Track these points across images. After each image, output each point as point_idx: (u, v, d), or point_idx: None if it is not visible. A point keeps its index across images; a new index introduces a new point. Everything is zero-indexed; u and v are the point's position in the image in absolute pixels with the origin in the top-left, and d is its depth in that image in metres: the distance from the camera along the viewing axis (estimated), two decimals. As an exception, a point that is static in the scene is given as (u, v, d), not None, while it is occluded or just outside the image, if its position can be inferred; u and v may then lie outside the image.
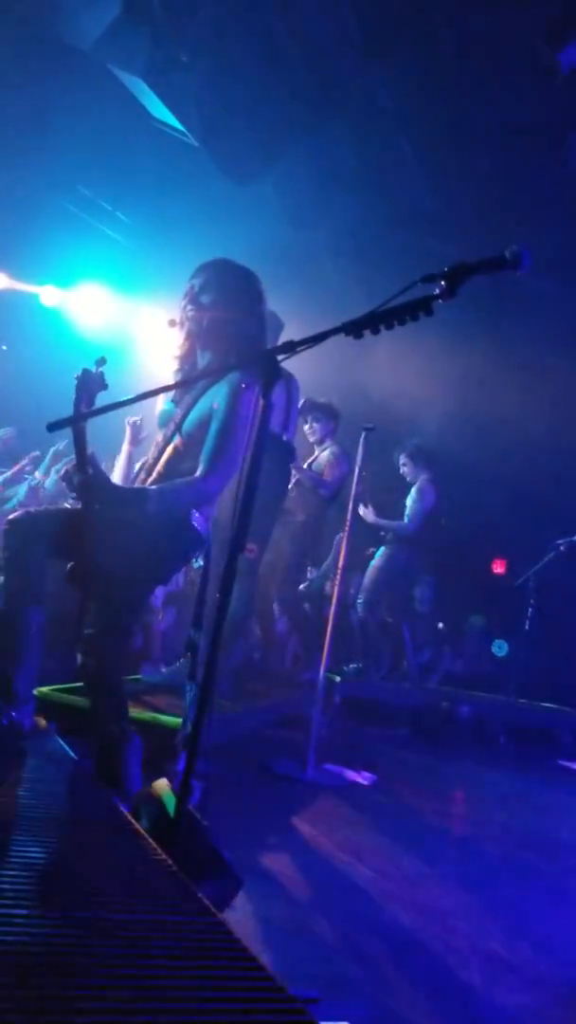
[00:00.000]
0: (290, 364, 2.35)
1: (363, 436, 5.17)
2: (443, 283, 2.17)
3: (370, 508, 7.58)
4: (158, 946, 1.51)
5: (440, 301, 2.18)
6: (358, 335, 2.24)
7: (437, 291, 2.17)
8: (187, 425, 3.16)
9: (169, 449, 3.21)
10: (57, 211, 8.49)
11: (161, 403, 3.46)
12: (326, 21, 6.27)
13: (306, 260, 8.61)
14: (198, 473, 3.06)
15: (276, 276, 6.64)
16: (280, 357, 2.26)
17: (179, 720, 3.86)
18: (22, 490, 7.58)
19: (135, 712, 4.00)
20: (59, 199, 8.45)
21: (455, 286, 2.16)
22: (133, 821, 2.22)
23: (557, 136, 6.91)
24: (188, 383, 3.21)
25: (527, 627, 7.99)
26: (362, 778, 4.91)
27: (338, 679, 6.92)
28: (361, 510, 7.51)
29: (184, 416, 3.19)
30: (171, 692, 4.67)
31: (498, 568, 9.78)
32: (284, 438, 5.51)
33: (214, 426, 3.08)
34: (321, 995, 2.11)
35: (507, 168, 7.34)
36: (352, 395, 8.16)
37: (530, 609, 8.01)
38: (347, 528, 5.27)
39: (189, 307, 3.28)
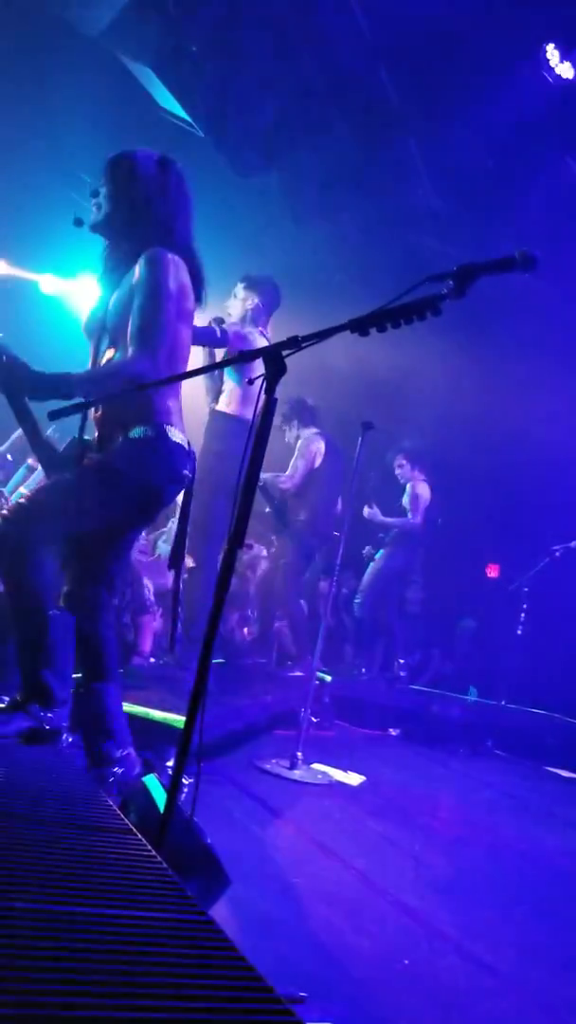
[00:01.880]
0: (291, 359, 2.33)
1: (362, 434, 5.15)
2: (451, 283, 2.16)
3: (375, 508, 7.58)
4: (143, 943, 1.50)
5: (448, 301, 2.17)
6: (364, 333, 2.22)
7: (445, 291, 2.16)
8: (111, 318, 3.02)
9: (104, 355, 3.07)
10: (60, 199, 8.45)
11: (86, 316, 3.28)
12: (336, 16, 6.25)
13: (309, 254, 8.59)
14: (128, 354, 2.90)
15: (279, 270, 6.65)
16: (285, 353, 2.24)
17: (169, 716, 3.86)
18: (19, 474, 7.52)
19: (126, 706, 3.98)
20: (62, 187, 8.41)
21: (464, 286, 2.15)
22: (122, 816, 2.20)
23: (563, 137, 6.93)
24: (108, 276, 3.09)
25: (519, 631, 8.00)
26: (350, 778, 4.90)
27: (328, 678, 6.91)
28: (366, 511, 7.52)
29: (105, 309, 3.05)
30: (162, 687, 4.66)
31: (492, 572, 9.79)
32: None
33: (136, 301, 2.91)
34: (307, 995, 2.10)
35: (512, 168, 7.34)
36: (351, 393, 8.16)
37: (523, 614, 8.02)
38: (344, 527, 5.26)
39: (93, 204, 3.15)
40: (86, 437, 3.12)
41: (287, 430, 6.86)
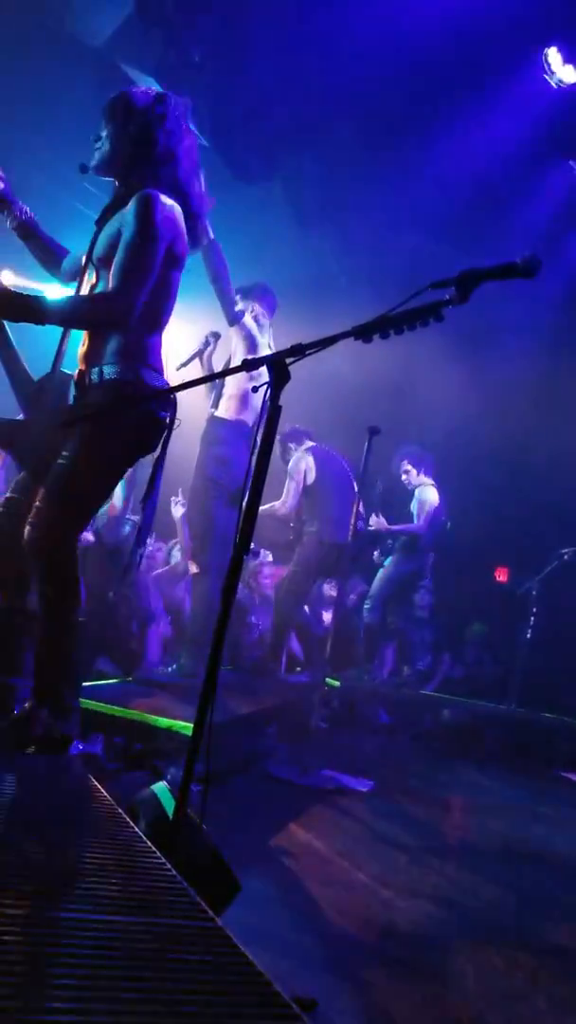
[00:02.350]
0: (296, 366, 2.33)
1: (368, 439, 5.15)
2: (454, 289, 2.17)
3: (381, 517, 7.57)
4: (155, 950, 1.50)
5: (451, 307, 2.17)
6: (368, 339, 2.23)
7: (448, 296, 2.17)
8: (97, 251, 3.00)
9: (86, 287, 3.04)
10: (64, 208, 8.48)
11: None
12: (336, 23, 6.27)
13: (313, 261, 8.61)
14: (109, 288, 2.87)
15: (283, 276, 6.67)
16: (289, 360, 2.25)
17: (176, 723, 3.87)
18: None
19: (131, 713, 3.99)
20: (67, 198, 8.44)
21: (467, 292, 2.15)
22: (131, 823, 2.20)
23: (565, 140, 6.95)
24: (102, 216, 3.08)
25: (528, 635, 7.98)
26: (360, 784, 4.89)
27: (337, 684, 6.91)
28: (372, 520, 7.50)
29: (93, 244, 3.04)
30: (169, 695, 4.67)
31: (500, 576, 9.77)
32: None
33: (124, 238, 2.89)
34: (318, 1001, 2.10)
35: (516, 172, 7.35)
36: (357, 397, 8.16)
37: (532, 618, 8.00)
38: (352, 532, 5.26)
39: (95, 147, 3.14)
40: (66, 371, 3.10)
41: (288, 454, 6.87)
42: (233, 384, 5.63)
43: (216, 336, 5.77)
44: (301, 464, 6.72)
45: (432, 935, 2.90)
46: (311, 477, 6.71)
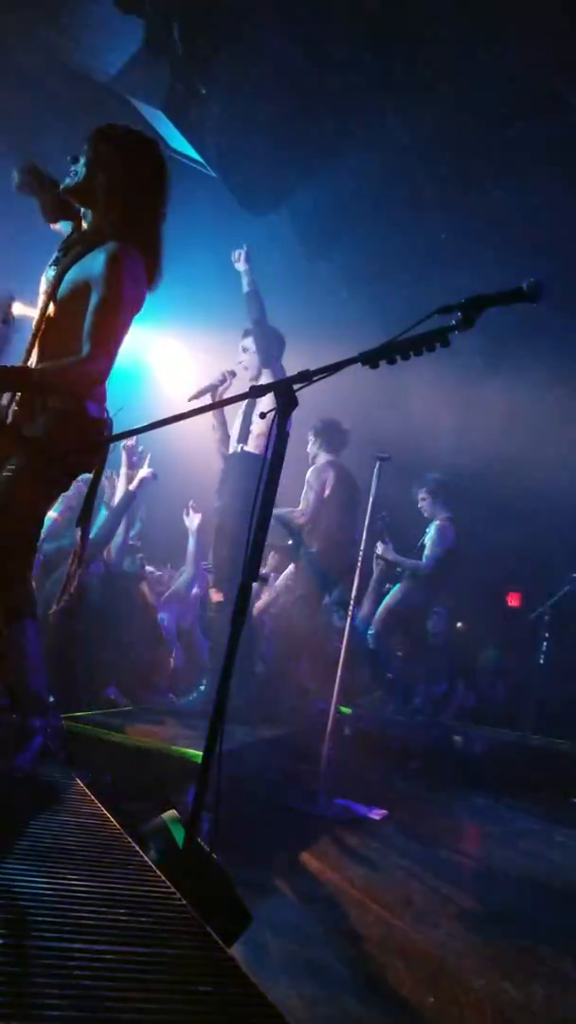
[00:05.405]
0: (304, 392, 2.35)
1: (377, 466, 5.14)
2: (460, 314, 2.18)
3: (389, 544, 7.53)
4: (163, 980, 1.49)
5: (457, 332, 2.19)
6: (374, 365, 2.24)
7: (454, 322, 2.18)
8: (60, 293, 3.01)
9: (45, 319, 3.07)
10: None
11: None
12: (342, 53, 6.35)
13: (321, 290, 8.66)
14: (83, 353, 2.89)
15: (291, 305, 6.71)
16: (296, 386, 2.26)
17: (187, 751, 3.85)
18: None
19: (142, 741, 3.98)
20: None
21: (472, 318, 2.17)
22: (142, 853, 2.19)
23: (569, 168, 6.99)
24: (69, 246, 3.10)
25: (541, 661, 7.92)
26: (373, 813, 4.85)
27: (349, 711, 6.85)
28: (379, 548, 7.47)
29: (58, 282, 3.04)
30: (179, 722, 4.65)
31: (513, 601, 9.71)
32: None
33: (94, 299, 2.91)
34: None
35: (522, 200, 7.39)
36: (366, 423, 8.16)
37: (545, 643, 7.94)
38: (360, 560, 5.24)
39: (71, 170, 3.13)
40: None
41: (310, 440, 6.83)
42: (262, 422, 5.70)
43: (232, 375, 5.82)
44: (323, 476, 6.69)
45: (448, 966, 2.85)
46: (328, 492, 6.69)
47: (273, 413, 2.28)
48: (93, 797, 2.73)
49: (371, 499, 5.22)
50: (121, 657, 5.55)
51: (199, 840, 2.15)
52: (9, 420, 3.02)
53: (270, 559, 7.56)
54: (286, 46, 6.29)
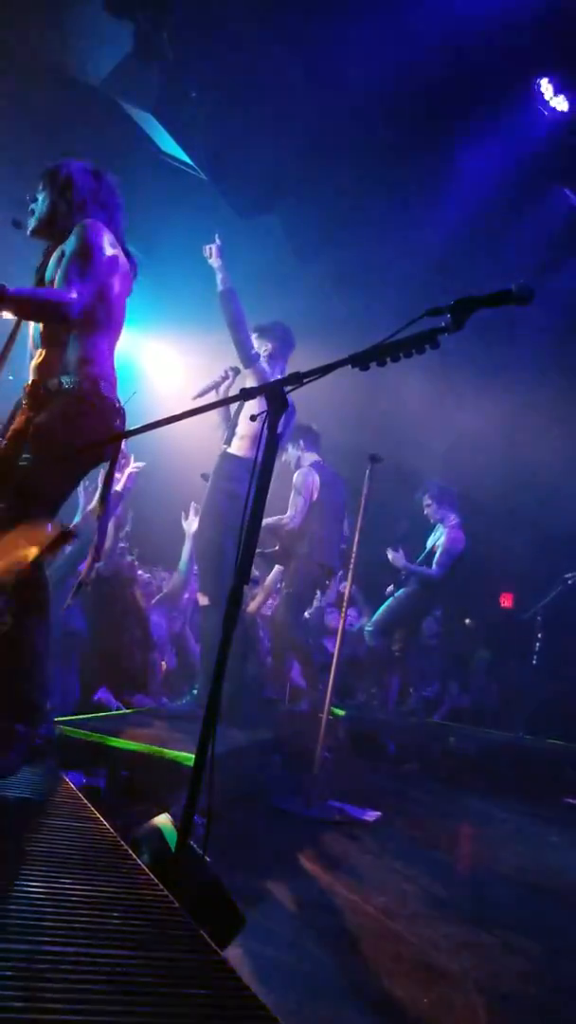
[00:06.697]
0: (295, 393, 2.35)
1: (369, 467, 5.15)
2: (449, 316, 2.18)
3: (400, 552, 7.54)
4: (156, 984, 1.48)
5: (446, 334, 2.19)
6: (364, 367, 2.25)
7: (443, 324, 2.18)
8: (47, 279, 3.11)
9: (36, 356, 3.13)
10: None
11: None
12: (332, 58, 6.36)
13: (311, 292, 8.66)
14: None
15: (282, 307, 6.70)
16: (287, 388, 2.26)
17: (179, 754, 3.84)
18: None
19: (134, 745, 3.97)
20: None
21: (461, 320, 2.17)
22: (135, 856, 2.19)
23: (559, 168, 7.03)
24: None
25: (534, 661, 7.94)
26: (366, 815, 4.85)
27: (342, 713, 6.85)
28: (390, 555, 7.49)
29: (40, 280, 3.16)
30: (172, 725, 4.64)
31: (505, 602, 9.73)
32: None
33: (67, 254, 3.03)
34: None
35: (509, 202, 7.43)
36: (357, 424, 8.17)
37: (537, 643, 7.96)
38: (352, 561, 5.24)
39: (29, 210, 3.28)
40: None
41: (288, 448, 6.81)
42: (246, 424, 5.66)
43: (235, 371, 5.81)
44: (309, 480, 6.69)
45: (442, 969, 2.85)
46: (316, 495, 6.68)
47: (263, 415, 2.27)
48: (86, 801, 2.73)
49: (363, 500, 5.22)
50: (113, 660, 5.53)
51: (192, 843, 2.15)
52: (23, 406, 3.08)
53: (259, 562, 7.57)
54: (275, 48, 6.30)
